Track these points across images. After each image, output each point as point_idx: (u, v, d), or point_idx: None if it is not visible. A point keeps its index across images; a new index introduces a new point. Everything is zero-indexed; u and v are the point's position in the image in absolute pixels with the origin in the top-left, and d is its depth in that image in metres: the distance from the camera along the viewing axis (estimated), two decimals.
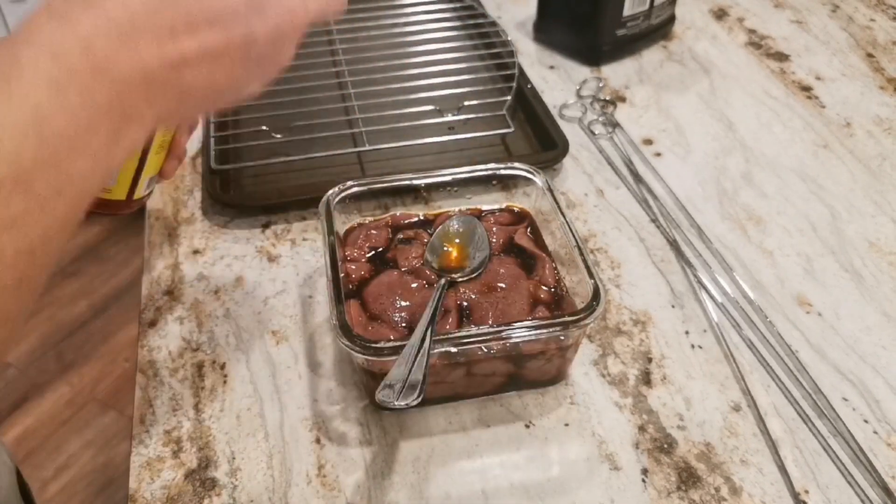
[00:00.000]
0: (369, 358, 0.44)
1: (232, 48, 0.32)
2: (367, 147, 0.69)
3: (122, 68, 0.28)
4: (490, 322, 0.48)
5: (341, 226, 0.55)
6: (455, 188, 0.57)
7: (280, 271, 0.59)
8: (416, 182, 0.56)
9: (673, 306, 0.57)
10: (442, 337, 0.44)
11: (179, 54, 0.30)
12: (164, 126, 0.33)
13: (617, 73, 0.82)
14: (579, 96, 0.79)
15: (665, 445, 0.48)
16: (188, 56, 0.30)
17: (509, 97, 0.74)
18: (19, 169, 0.25)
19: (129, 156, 0.31)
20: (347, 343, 0.43)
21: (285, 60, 0.37)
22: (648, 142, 0.73)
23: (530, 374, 0.49)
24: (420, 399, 0.39)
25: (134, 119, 0.29)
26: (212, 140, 0.68)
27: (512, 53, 0.80)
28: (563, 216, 0.52)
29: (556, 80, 0.81)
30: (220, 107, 0.36)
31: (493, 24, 0.86)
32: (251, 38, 0.33)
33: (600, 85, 0.80)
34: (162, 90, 0.30)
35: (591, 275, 0.47)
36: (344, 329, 0.44)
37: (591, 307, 0.45)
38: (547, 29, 0.87)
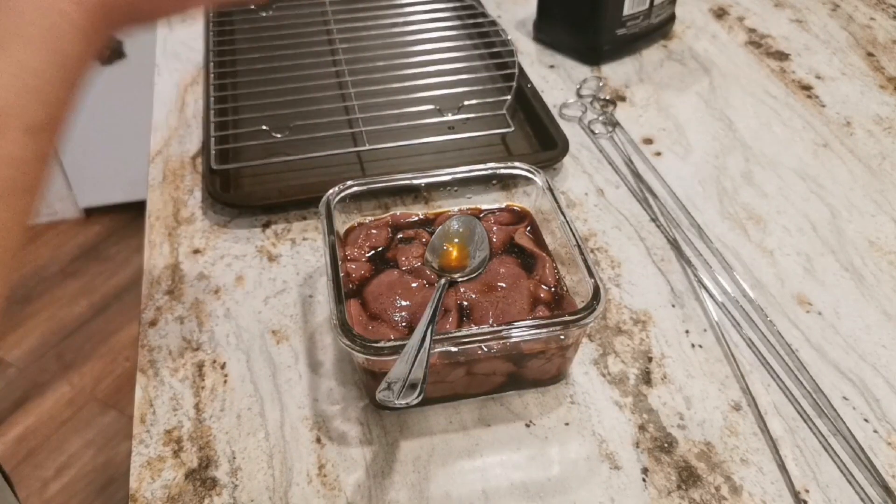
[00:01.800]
0: (369, 357, 0.44)
1: None
2: (367, 147, 0.69)
3: None
4: (490, 321, 0.48)
5: (341, 225, 0.55)
6: (455, 188, 0.57)
7: (280, 271, 0.59)
8: (416, 182, 0.56)
9: (673, 305, 0.57)
10: (442, 336, 0.44)
11: None
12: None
13: (617, 72, 0.82)
14: (579, 96, 0.79)
15: (665, 445, 0.48)
16: None
17: (509, 97, 0.74)
18: None
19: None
20: (347, 342, 0.43)
21: None
22: (648, 141, 0.73)
23: (530, 373, 0.49)
24: (420, 398, 0.39)
25: None
26: (212, 140, 0.68)
27: (512, 53, 0.80)
28: (563, 215, 0.52)
29: (556, 80, 0.81)
30: None
31: (493, 23, 0.86)
32: None
33: (600, 84, 0.80)
34: None
35: (591, 274, 0.47)
36: (344, 328, 0.44)
37: (591, 306, 0.45)
38: (547, 28, 0.87)
